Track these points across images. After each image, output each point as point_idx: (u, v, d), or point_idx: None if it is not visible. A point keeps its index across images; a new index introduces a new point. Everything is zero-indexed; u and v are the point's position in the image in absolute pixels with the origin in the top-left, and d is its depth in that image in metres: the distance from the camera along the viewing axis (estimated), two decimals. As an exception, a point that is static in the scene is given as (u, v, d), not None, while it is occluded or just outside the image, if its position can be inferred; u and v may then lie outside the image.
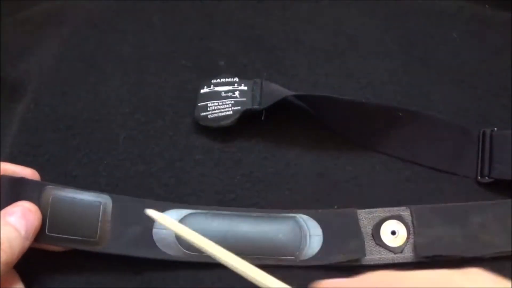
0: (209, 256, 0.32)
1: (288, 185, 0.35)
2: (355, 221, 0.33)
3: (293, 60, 0.40)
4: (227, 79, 0.38)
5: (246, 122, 0.36)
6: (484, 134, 0.36)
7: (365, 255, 0.32)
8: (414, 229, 0.33)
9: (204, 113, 0.36)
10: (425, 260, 0.32)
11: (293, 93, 0.36)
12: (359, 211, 0.33)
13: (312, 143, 0.36)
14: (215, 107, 0.36)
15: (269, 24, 0.41)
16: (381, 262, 0.32)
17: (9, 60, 0.41)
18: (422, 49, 0.40)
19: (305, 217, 0.33)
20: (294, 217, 0.33)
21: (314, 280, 0.29)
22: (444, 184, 0.35)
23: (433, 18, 0.42)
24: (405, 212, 0.33)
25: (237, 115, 0.36)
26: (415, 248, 0.32)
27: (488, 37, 0.41)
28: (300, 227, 0.32)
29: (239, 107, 0.36)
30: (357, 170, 0.36)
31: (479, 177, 0.36)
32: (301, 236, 0.32)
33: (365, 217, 0.33)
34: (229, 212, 0.33)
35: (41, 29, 0.42)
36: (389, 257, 0.32)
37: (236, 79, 0.38)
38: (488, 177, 0.35)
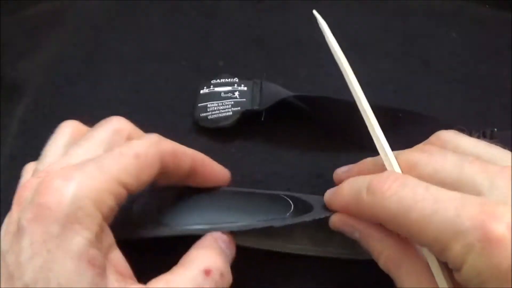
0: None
1: (288, 185, 0.35)
2: None
3: (293, 60, 0.40)
4: (227, 80, 0.37)
5: (246, 123, 0.36)
6: (484, 134, 0.36)
7: None
8: None
9: (204, 114, 0.36)
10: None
11: (293, 93, 0.35)
12: None
13: (311, 143, 0.36)
14: (215, 108, 0.36)
15: (269, 24, 0.41)
16: None
17: (9, 60, 0.41)
18: (422, 49, 0.40)
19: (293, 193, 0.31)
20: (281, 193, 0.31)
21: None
22: (444, 184, 0.35)
23: (433, 18, 0.42)
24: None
25: (237, 116, 0.36)
26: None
27: (488, 37, 0.41)
28: (289, 199, 0.31)
29: (239, 108, 0.36)
30: (357, 170, 0.36)
31: (479, 177, 0.35)
32: (291, 203, 0.30)
33: None
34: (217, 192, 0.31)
35: (41, 29, 0.42)
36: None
37: (236, 79, 0.37)
38: (488, 177, 0.35)
